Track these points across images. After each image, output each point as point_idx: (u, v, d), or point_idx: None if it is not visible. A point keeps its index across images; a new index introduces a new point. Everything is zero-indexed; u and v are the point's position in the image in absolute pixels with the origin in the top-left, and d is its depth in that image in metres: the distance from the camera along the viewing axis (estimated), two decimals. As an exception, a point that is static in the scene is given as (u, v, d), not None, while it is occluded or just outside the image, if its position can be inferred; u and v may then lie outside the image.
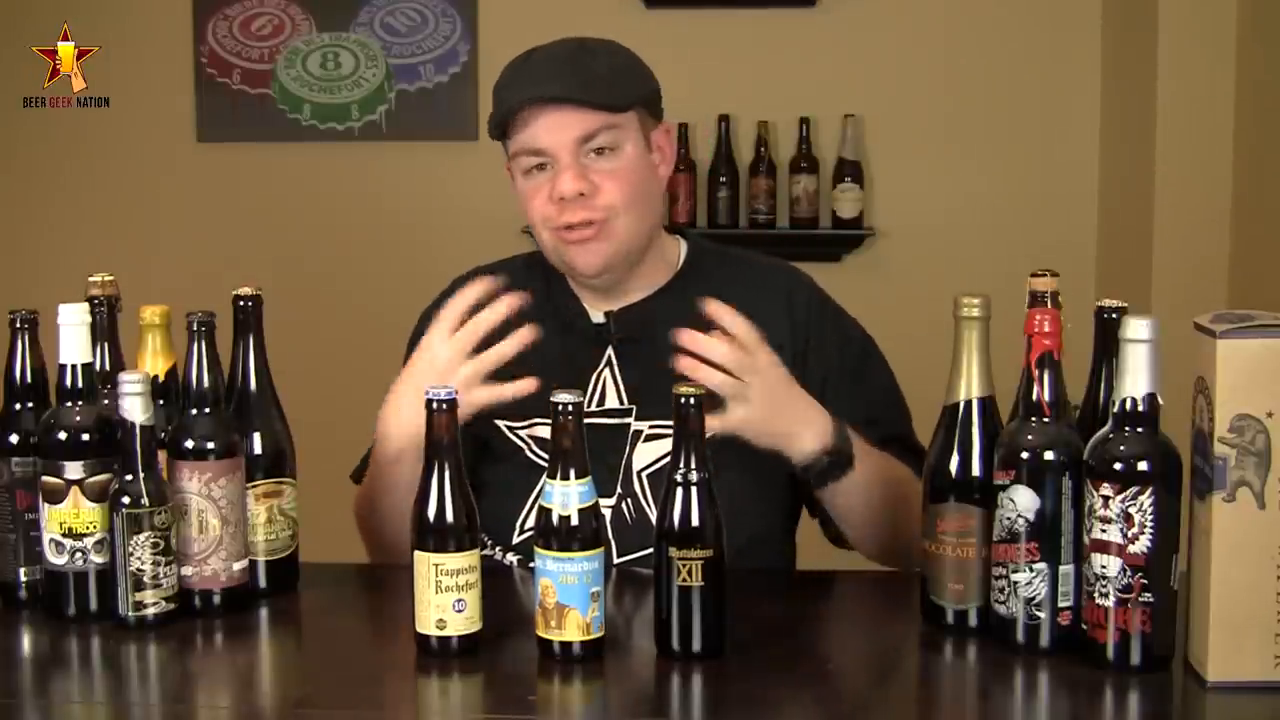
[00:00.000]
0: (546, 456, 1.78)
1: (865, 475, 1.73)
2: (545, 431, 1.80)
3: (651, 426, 1.84)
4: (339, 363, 3.94)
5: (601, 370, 1.87)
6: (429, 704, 1.51)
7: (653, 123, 1.88)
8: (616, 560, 1.80)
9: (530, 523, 1.80)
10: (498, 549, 1.85)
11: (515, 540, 1.84)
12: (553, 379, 1.77)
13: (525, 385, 1.69)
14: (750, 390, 1.63)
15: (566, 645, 1.46)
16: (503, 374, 1.86)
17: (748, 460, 1.72)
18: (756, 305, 1.88)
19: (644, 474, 1.83)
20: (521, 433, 1.87)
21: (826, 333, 1.91)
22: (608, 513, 1.80)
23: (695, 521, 1.46)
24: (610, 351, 1.88)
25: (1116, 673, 1.41)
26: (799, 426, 1.69)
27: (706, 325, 1.85)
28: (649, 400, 1.83)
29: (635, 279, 1.89)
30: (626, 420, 1.86)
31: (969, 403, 1.53)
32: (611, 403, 1.86)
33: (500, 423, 1.86)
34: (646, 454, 1.84)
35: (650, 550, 1.76)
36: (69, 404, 1.60)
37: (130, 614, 1.56)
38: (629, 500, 1.82)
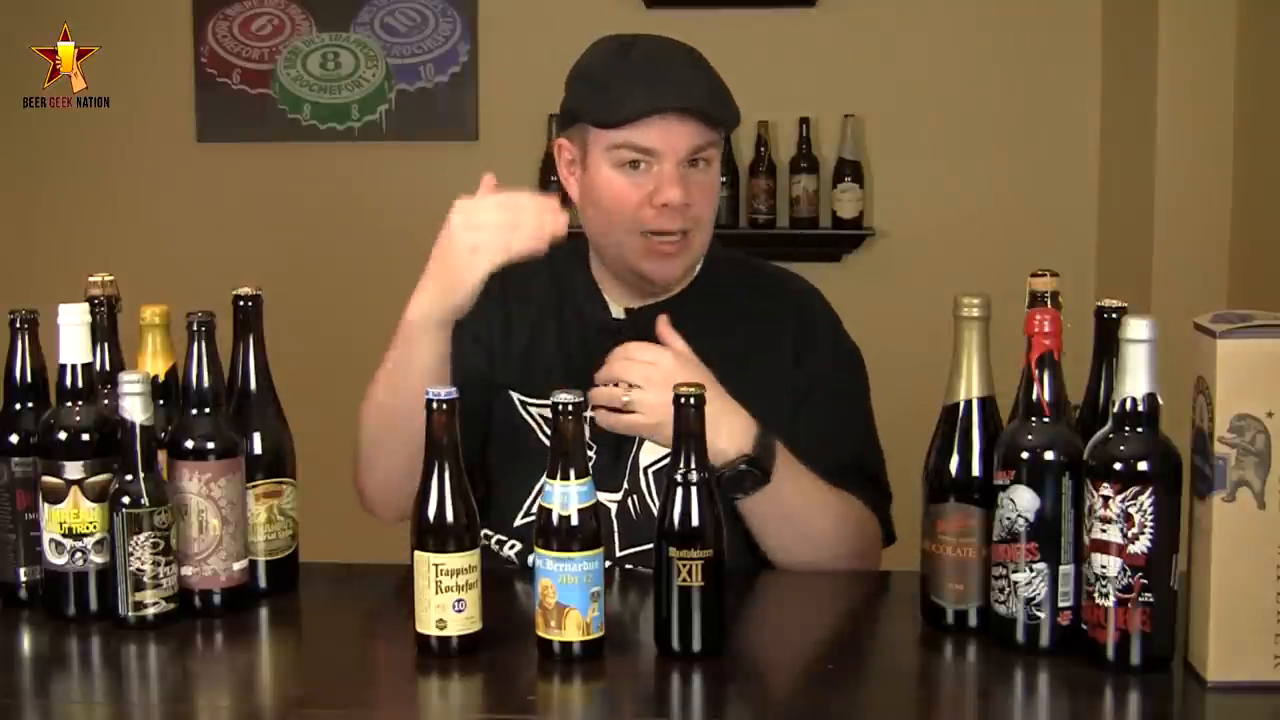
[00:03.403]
0: None
1: (789, 492, 1.74)
2: None
3: None
4: (339, 363, 3.92)
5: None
6: (429, 704, 1.51)
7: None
8: (620, 553, 1.80)
9: (535, 508, 1.80)
10: (494, 539, 1.85)
11: (518, 522, 1.84)
12: (569, 367, 1.82)
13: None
14: (647, 397, 1.69)
15: (566, 645, 1.46)
16: (519, 353, 1.89)
17: None
18: (766, 310, 1.92)
19: (650, 470, 1.83)
20: (533, 410, 1.87)
21: (824, 343, 1.92)
22: (613, 506, 1.81)
23: (695, 521, 1.46)
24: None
25: (1116, 673, 1.41)
26: (712, 432, 1.64)
27: (717, 332, 1.87)
28: None
29: None
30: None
31: (969, 403, 1.53)
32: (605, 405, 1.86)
33: (514, 395, 1.88)
34: (654, 450, 1.83)
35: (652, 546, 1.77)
36: (69, 404, 1.60)
37: (130, 614, 1.56)
38: (635, 496, 1.83)
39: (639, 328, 1.88)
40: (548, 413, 1.83)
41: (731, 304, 1.92)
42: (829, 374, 1.91)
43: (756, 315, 1.92)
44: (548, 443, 1.81)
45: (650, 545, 1.76)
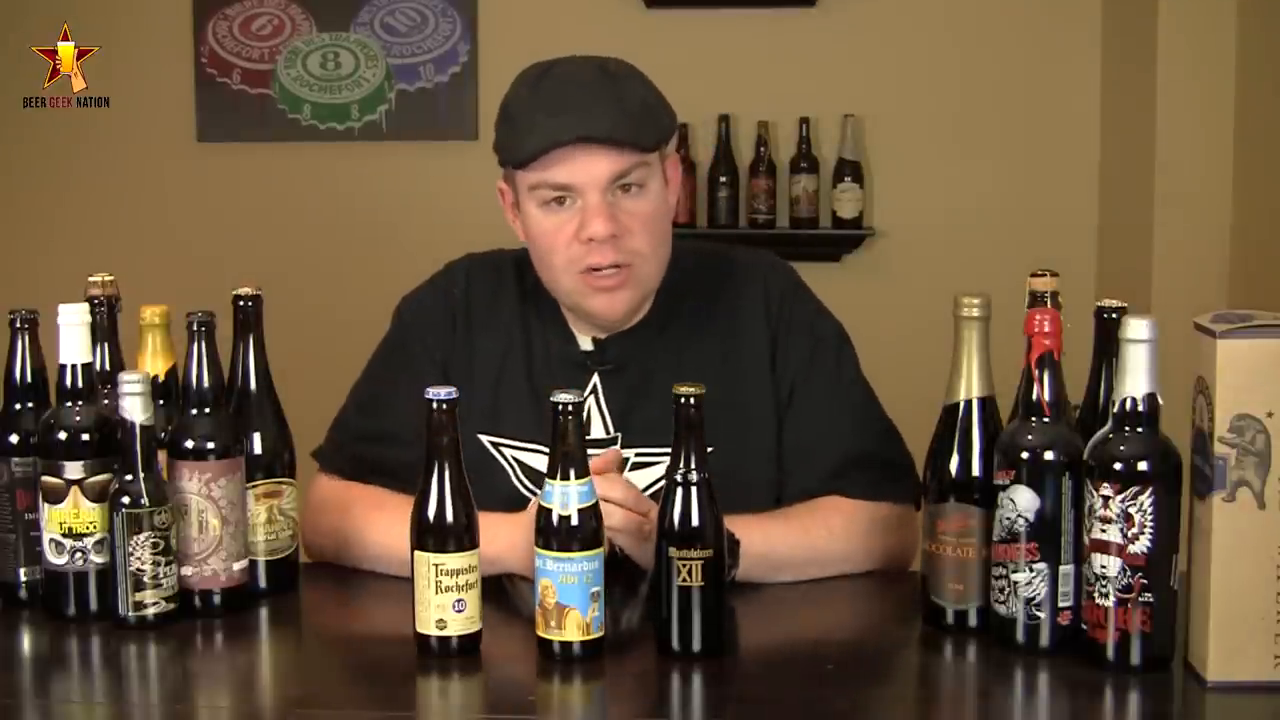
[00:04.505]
0: (533, 487, 1.76)
1: (761, 544, 1.69)
2: (532, 459, 1.79)
3: (638, 454, 1.80)
4: (339, 363, 3.92)
5: (586, 398, 1.82)
6: (429, 704, 1.51)
7: (667, 153, 1.83)
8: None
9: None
10: None
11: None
12: (538, 402, 1.75)
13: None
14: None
15: (566, 645, 1.46)
16: (487, 395, 1.84)
17: (736, 463, 1.73)
18: (737, 300, 1.87)
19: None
20: (508, 453, 1.83)
21: (797, 330, 1.85)
22: None
23: (695, 521, 1.46)
24: (596, 379, 1.84)
25: (1116, 673, 1.41)
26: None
27: (694, 339, 1.85)
28: (635, 428, 1.80)
29: None
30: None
31: (969, 403, 1.53)
32: (597, 432, 1.81)
33: (485, 438, 1.82)
34: (646, 476, 1.78)
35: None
36: (69, 404, 1.60)
37: (130, 614, 1.56)
38: None
39: (607, 359, 1.84)
40: (521, 455, 1.81)
41: (701, 308, 1.86)
42: (808, 365, 1.84)
43: (728, 308, 1.86)
44: (521, 487, 1.79)
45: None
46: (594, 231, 1.72)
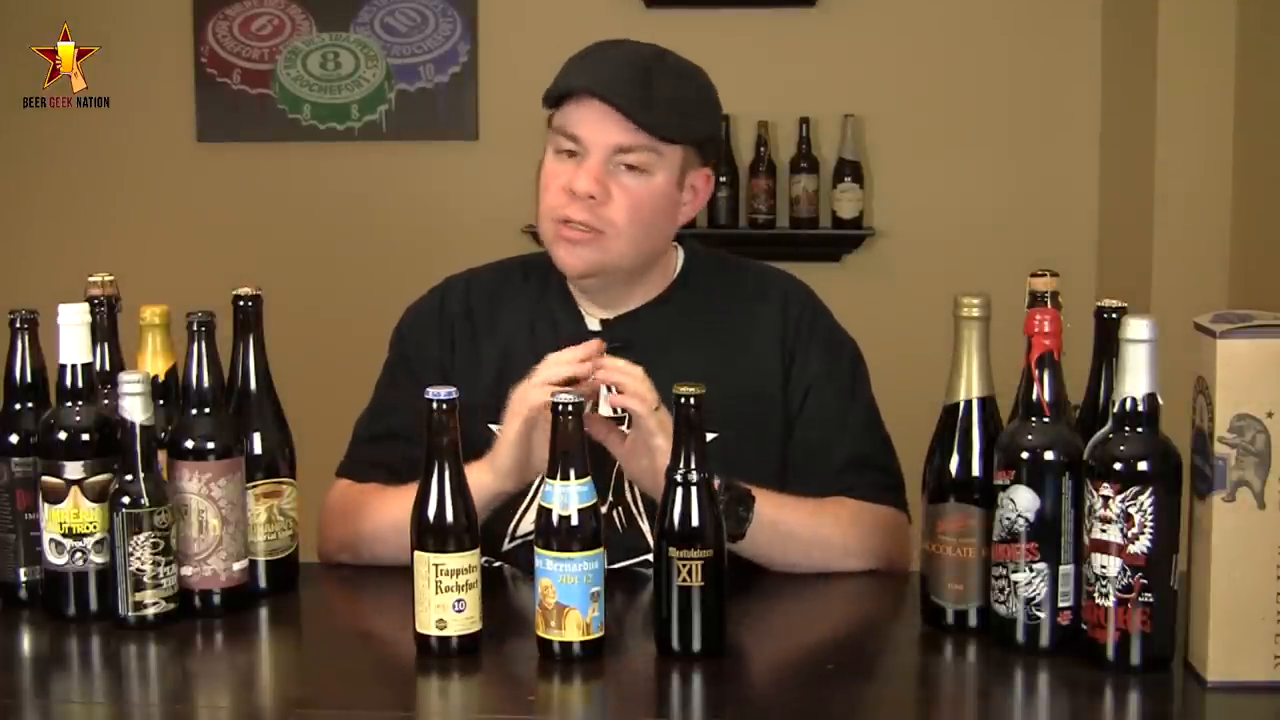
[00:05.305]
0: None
1: (774, 511, 1.71)
2: None
3: None
4: (339, 363, 3.92)
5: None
6: (429, 704, 1.51)
7: (697, 163, 1.85)
8: (607, 567, 1.79)
9: (521, 530, 1.80)
10: (484, 558, 1.84)
11: (506, 547, 1.82)
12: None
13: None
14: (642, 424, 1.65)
15: (566, 645, 1.46)
16: (490, 383, 1.85)
17: (736, 462, 1.72)
18: (752, 310, 1.89)
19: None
20: None
21: (816, 340, 1.89)
22: None
23: (695, 521, 1.46)
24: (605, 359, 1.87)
25: (1116, 673, 1.41)
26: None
27: (698, 337, 1.85)
28: None
29: (632, 289, 1.88)
30: (620, 428, 1.83)
31: (969, 403, 1.53)
32: (604, 411, 1.81)
33: (495, 427, 1.83)
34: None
35: (640, 558, 1.76)
36: (69, 404, 1.60)
37: (130, 614, 1.56)
38: (620, 508, 1.81)
39: (615, 339, 1.85)
40: None
41: (712, 307, 1.89)
42: (825, 371, 1.88)
43: (740, 317, 1.89)
44: None
45: (638, 558, 1.76)
46: (576, 185, 1.78)
